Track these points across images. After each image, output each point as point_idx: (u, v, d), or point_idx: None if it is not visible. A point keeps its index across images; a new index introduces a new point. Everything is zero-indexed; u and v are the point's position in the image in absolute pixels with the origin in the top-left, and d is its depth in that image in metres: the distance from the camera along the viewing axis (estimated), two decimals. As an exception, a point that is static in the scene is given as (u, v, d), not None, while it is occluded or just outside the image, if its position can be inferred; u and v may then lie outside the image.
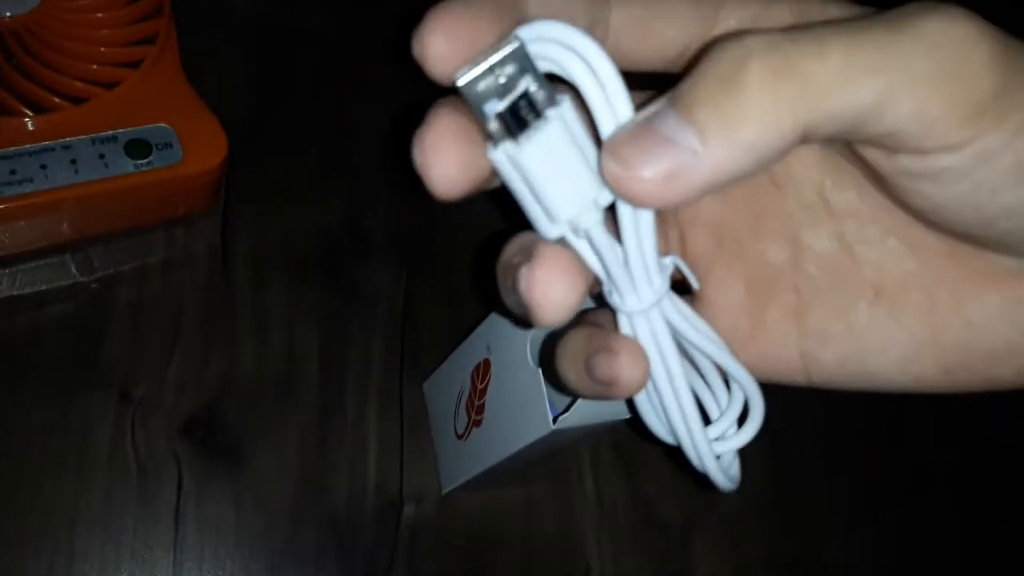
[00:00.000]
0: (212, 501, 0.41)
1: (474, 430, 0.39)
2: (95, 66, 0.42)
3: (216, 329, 0.44)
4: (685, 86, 0.18)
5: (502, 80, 0.19)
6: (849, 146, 0.20)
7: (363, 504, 0.43)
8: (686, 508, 0.48)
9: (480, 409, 0.39)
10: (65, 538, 0.39)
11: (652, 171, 0.18)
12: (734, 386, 0.25)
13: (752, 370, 0.24)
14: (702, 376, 0.25)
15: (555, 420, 0.32)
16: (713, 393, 0.25)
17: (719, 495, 0.49)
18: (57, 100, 0.41)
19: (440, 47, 0.18)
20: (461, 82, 0.19)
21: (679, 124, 0.17)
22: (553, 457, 0.46)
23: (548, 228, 0.20)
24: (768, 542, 0.49)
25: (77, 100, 0.41)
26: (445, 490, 0.44)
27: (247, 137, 0.48)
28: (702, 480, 0.26)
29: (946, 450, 0.55)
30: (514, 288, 0.21)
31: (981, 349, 0.22)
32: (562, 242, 0.21)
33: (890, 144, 0.18)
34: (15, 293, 0.43)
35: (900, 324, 0.23)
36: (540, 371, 0.33)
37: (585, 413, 0.32)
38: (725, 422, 0.25)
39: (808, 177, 0.23)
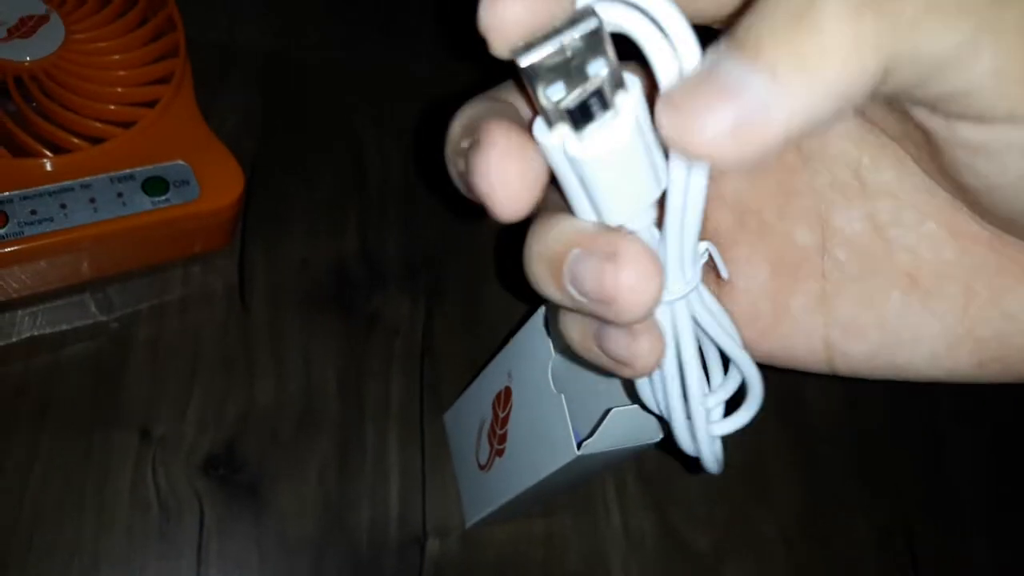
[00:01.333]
0: (234, 539, 0.41)
1: (497, 460, 0.39)
2: (112, 106, 0.42)
3: (234, 365, 0.44)
4: (747, 25, 0.15)
5: (571, 60, 0.16)
6: (900, 113, 0.19)
7: (386, 539, 0.43)
8: (716, 536, 0.47)
9: (502, 439, 0.38)
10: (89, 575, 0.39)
11: (718, 123, 0.15)
12: (732, 370, 0.25)
13: (773, 357, 0.24)
14: (703, 355, 0.24)
15: (579, 446, 0.32)
16: (708, 372, 0.25)
17: (751, 523, 0.48)
18: (76, 140, 0.41)
19: (516, 13, 0.16)
20: (526, 62, 0.16)
21: (746, 67, 0.15)
22: (578, 487, 0.45)
23: (588, 217, 0.19)
24: (800, 572, 0.48)
25: (95, 140, 0.42)
26: (469, 523, 0.43)
27: (261, 171, 0.49)
28: (691, 462, 0.26)
29: (980, 477, 0.54)
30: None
31: (1020, 343, 0.21)
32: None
33: (955, 108, 0.17)
34: (36, 333, 0.43)
35: (935, 316, 0.21)
36: (563, 397, 0.33)
37: (611, 438, 0.32)
38: (711, 400, 0.25)
39: (845, 153, 0.22)
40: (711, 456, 0.26)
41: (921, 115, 0.18)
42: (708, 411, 0.25)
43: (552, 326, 0.34)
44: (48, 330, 0.43)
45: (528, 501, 0.39)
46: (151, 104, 0.43)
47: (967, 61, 0.15)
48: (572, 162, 0.18)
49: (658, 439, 0.33)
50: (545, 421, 0.34)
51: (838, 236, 0.22)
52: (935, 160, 0.19)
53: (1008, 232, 0.20)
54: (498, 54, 0.16)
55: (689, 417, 0.25)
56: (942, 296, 0.21)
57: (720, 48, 0.16)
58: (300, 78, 0.53)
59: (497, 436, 0.39)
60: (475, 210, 0.20)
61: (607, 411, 0.31)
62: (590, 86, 0.16)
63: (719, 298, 0.24)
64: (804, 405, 0.53)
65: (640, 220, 0.19)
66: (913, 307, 0.22)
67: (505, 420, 0.38)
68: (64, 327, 0.43)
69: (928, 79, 0.16)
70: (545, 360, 0.34)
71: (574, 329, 0.22)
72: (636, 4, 0.17)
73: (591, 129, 0.17)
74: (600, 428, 0.31)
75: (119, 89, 0.43)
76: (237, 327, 0.45)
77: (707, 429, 0.25)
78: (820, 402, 0.53)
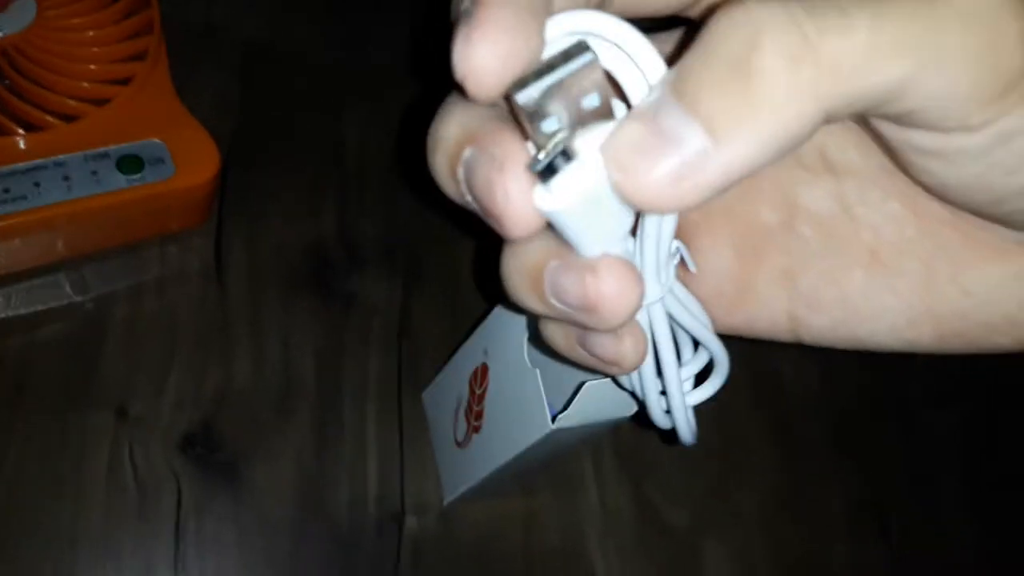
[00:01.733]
0: (212, 518, 0.41)
1: (474, 437, 0.39)
2: (86, 84, 0.42)
3: (211, 345, 0.44)
4: (687, 70, 0.16)
5: (564, 94, 0.16)
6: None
7: (364, 517, 0.43)
8: (694, 514, 0.47)
9: (479, 415, 0.38)
10: (67, 559, 0.39)
11: (657, 175, 0.16)
12: (701, 348, 0.26)
13: (738, 330, 0.24)
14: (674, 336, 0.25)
15: (554, 419, 0.32)
16: (679, 349, 0.26)
17: (728, 498, 0.49)
18: (49, 118, 0.41)
19: (489, 62, 0.16)
20: (523, 99, 0.16)
21: (684, 119, 0.15)
22: (555, 463, 0.45)
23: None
24: (777, 547, 0.48)
25: (68, 118, 0.42)
26: (447, 500, 0.43)
27: (239, 153, 0.49)
28: (666, 434, 0.27)
29: (953, 453, 0.55)
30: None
31: (978, 319, 0.21)
32: None
33: (907, 121, 0.17)
34: (10, 314, 0.42)
35: (896, 292, 0.22)
36: (537, 371, 0.33)
37: (585, 412, 0.32)
38: (683, 373, 0.26)
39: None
40: (686, 427, 0.27)
41: (874, 122, 0.18)
42: (681, 383, 0.26)
43: (532, 333, 0.34)
44: (23, 311, 0.43)
45: (506, 477, 0.39)
46: (125, 82, 0.43)
47: (912, 90, 0.16)
48: (545, 214, 0.18)
49: (632, 412, 0.33)
50: (521, 396, 0.34)
51: (804, 214, 0.23)
52: (891, 156, 0.20)
53: (967, 212, 0.20)
54: (479, 99, 0.16)
55: (663, 392, 0.26)
56: (903, 273, 0.22)
57: (662, 88, 0.16)
58: (278, 58, 0.52)
59: (474, 412, 0.39)
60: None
61: (581, 385, 0.31)
62: (552, 146, 0.17)
63: (686, 283, 0.25)
64: (780, 382, 0.53)
65: (616, 245, 0.19)
66: (875, 283, 0.22)
67: (481, 397, 0.38)
68: (39, 307, 0.43)
69: (874, 109, 0.16)
70: (520, 336, 0.34)
71: (558, 335, 0.22)
72: (607, 37, 0.17)
73: (557, 181, 0.17)
74: (574, 402, 0.31)
75: (92, 66, 0.43)
76: (214, 306, 0.45)
77: (682, 400, 0.26)
78: (795, 378, 0.54)
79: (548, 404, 0.32)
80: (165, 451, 0.41)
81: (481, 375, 0.38)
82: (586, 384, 0.31)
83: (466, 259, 0.50)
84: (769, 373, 0.53)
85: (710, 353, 0.26)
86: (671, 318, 0.24)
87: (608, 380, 0.31)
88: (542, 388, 0.33)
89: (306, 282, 0.47)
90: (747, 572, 0.48)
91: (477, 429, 0.39)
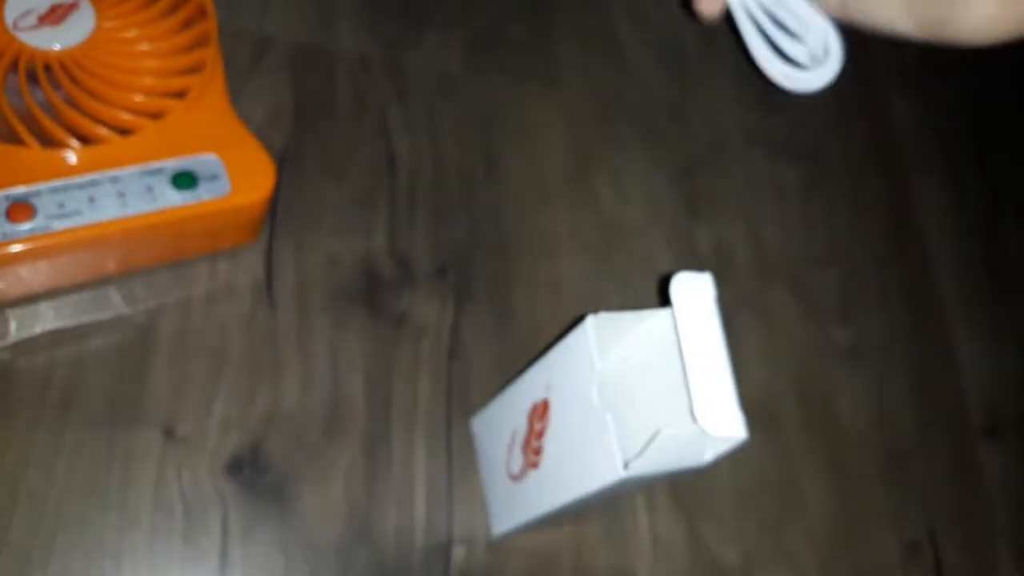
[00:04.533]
0: (259, 543, 0.40)
1: (531, 472, 0.38)
2: (142, 97, 0.41)
3: (260, 364, 0.43)
4: None
5: None
6: None
7: (411, 546, 0.42)
8: (746, 551, 0.46)
9: (537, 451, 0.37)
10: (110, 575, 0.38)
11: None
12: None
13: None
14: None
15: (626, 466, 0.31)
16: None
17: (781, 536, 0.47)
18: (104, 131, 0.40)
19: None
20: None
21: None
22: (611, 500, 0.44)
23: None
24: (827, 585, 0.47)
25: (124, 131, 0.41)
26: (496, 532, 0.43)
27: (290, 165, 0.48)
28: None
29: (1008, 489, 0.53)
30: None
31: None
32: None
33: None
34: (59, 326, 0.42)
35: None
36: (609, 415, 0.32)
37: (658, 459, 0.31)
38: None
39: None
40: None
41: None
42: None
43: None
44: (71, 322, 0.42)
45: (561, 514, 0.38)
46: (181, 95, 0.42)
47: None
48: None
49: (705, 463, 0.32)
50: (587, 438, 0.33)
51: None
52: None
53: None
54: None
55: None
56: None
57: None
58: (331, 70, 0.51)
59: (532, 448, 0.38)
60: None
61: (655, 432, 0.30)
62: None
63: None
64: (835, 415, 0.52)
65: None
66: None
67: (541, 433, 0.37)
68: (87, 320, 0.42)
69: None
70: (588, 376, 0.33)
71: None
72: None
73: None
74: (648, 449, 0.30)
75: (149, 79, 0.42)
76: (263, 324, 0.44)
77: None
78: (849, 415, 0.52)
79: (619, 448, 0.31)
80: (212, 474, 0.41)
81: (542, 411, 0.37)
82: (662, 432, 0.30)
83: (519, 278, 0.49)
84: (824, 408, 0.52)
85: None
86: None
87: (683, 429, 0.30)
88: (613, 431, 0.32)
89: (356, 300, 0.46)
90: (797, 611, 0.46)
91: (535, 465, 0.38)
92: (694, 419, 0.30)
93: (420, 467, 0.43)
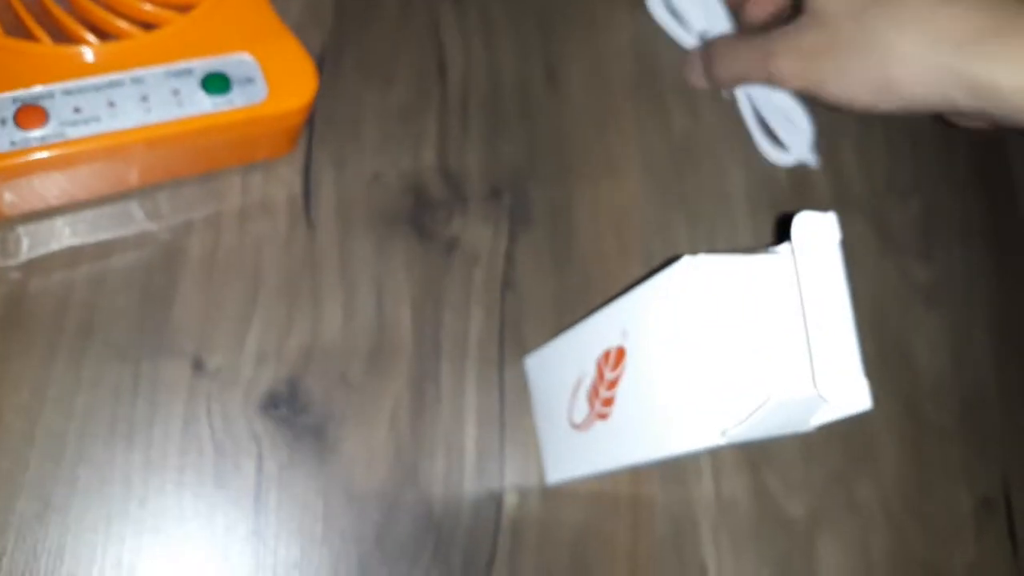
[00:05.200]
0: (296, 487, 0.37)
1: (599, 423, 0.34)
2: (167, -15, 0.36)
3: (298, 291, 0.39)
4: None
5: None
6: None
7: (460, 491, 0.39)
8: (811, 503, 0.43)
9: (608, 402, 0.34)
10: (135, 517, 0.35)
11: None
12: None
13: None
14: None
15: (723, 433, 0.27)
16: None
17: (849, 489, 0.44)
18: (124, 25, 0.36)
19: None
20: None
21: None
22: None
23: None
24: (897, 544, 0.44)
25: (147, 25, 0.36)
26: (551, 480, 0.39)
27: (330, 68, 0.43)
28: None
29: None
30: None
31: None
32: None
33: None
34: (77, 243, 0.38)
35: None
36: (702, 372, 0.28)
37: (761, 426, 0.27)
38: None
39: None
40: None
41: None
42: None
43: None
44: (91, 239, 0.38)
45: (628, 468, 0.35)
46: (212, -16, 0.37)
47: None
48: None
49: (809, 428, 0.29)
50: (674, 396, 0.29)
51: None
52: None
53: None
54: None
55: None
56: None
57: None
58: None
59: (601, 398, 0.34)
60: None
61: (765, 397, 0.26)
62: None
63: None
64: (910, 365, 0.48)
65: None
66: None
67: (614, 383, 0.33)
68: (107, 237, 0.38)
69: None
70: (680, 326, 0.29)
71: None
72: None
73: None
74: (754, 415, 0.26)
75: (175, -36, 0.37)
76: (302, 246, 0.40)
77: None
78: (927, 358, 0.49)
79: (717, 412, 0.28)
80: (246, 411, 0.37)
81: (616, 359, 0.33)
82: (772, 398, 0.26)
83: (578, 201, 0.45)
84: (900, 352, 0.48)
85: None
86: None
87: (798, 394, 0.26)
88: (710, 395, 0.28)
89: (402, 222, 0.42)
90: (864, 569, 0.43)
91: (604, 417, 0.34)
92: (814, 384, 0.26)
93: (471, 408, 0.40)
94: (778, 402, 0.26)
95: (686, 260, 0.29)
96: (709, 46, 0.47)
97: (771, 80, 0.44)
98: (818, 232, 0.28)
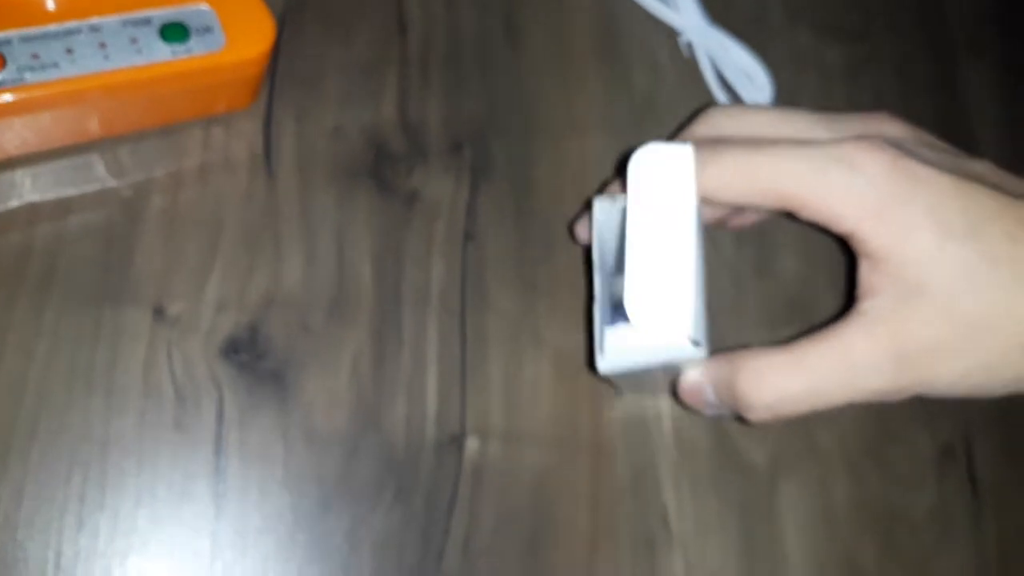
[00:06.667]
0: (257, 430, 0.37)
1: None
2: (125, -64, 0.37)
3: (259, 241, 0.40)
4: None
5: None
6: None
7: (422, 436, 0.39)
8: (772, 449, 0.44)
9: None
10: (97, 464, 0.35)
11: None
12: None
13: None
14: None
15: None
16: None
17: (809, 435, 0.45)
18: (82, -26, 0.36)
19: None
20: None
21: None
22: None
23: None
24: (858, 489, 0.45)
25: (105, -25, 0.36)
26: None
27: (289, 21, 0.43)
28: None
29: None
30: None
31: None
32: None
33: None
34: (38, 198, 0.38)
35: None
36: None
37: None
38: None
39: None
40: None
41: None
42: None
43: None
44: (52, 195, 0.38)
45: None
46: (168, -64, 0.37)
47: None
48: None
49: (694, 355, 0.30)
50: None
51: None
52: None
53: None
54: None
55: None
56: None
57: None
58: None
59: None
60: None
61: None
62: None
63: None
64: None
65: None
66: None
67: None
68: (71, 191, 0.39)
69: None
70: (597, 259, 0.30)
71: None
72: None
73: None
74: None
75: (132, -84, 0.37)
76: (262, 198, 0.41)
77: None
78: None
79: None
80: (206, 356, 0.38)
81: None
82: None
83: (540, 156, 0.45)
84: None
85: None
86: None
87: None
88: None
89: (363, 174, 0.42)
90: (825, 514, 0.44)
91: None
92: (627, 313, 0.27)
93: (432, 355, 0.40)
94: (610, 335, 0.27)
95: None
96: (732, 362, 0.33)
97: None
98: (666, 164, 0.29)
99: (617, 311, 0.32)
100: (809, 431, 0.45)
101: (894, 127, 0.35)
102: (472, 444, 0.40)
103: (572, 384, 0.41)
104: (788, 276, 0.47)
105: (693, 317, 0.29)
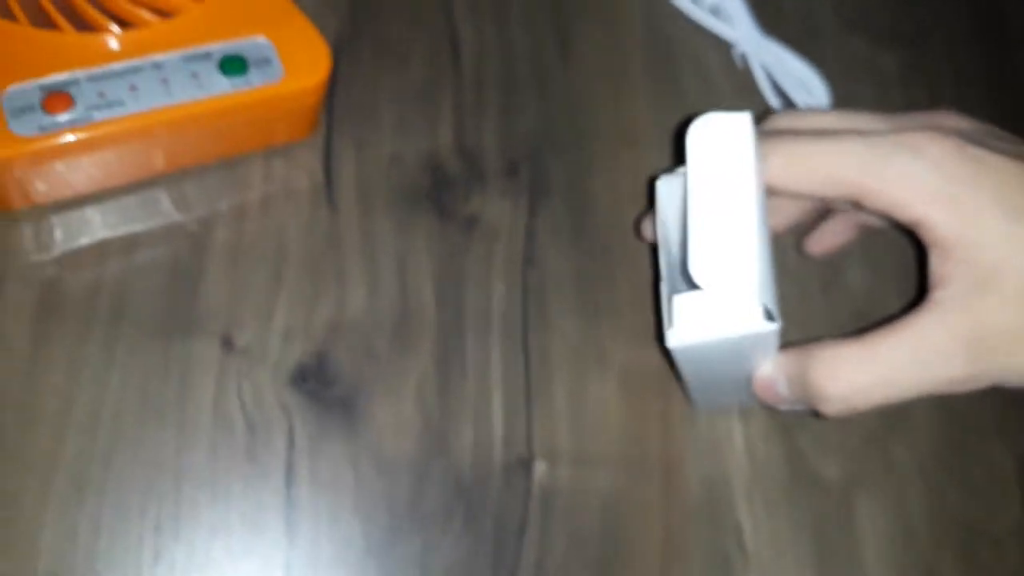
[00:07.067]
0: (326, 458, 0.37)
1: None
2: (183, -25, 0.38)
3: (322, 270, 0.40)
4: None
5: None
6: None
7: (490, 460, 0.39)
8: (847, 466, 0.43)
9: None
10: (171, 496, 0.36)
11: None
12: None
13: None
14: None
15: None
16: None
17: (884, 450, 0.44)
18: (143, 13, 0.37)
19: None
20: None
21: None
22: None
23: None
24: (936, 505, 0.43)
25: (164, 14, 0.37)
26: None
27: (347, 53, 0.44)
28: None
29: None
30: None
31: None
32: None
33: None
34: (106, 235, 0.39)
35: None
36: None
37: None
38: None
39: None
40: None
41: None
42: None
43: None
44: (120, 231, 0.39)
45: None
46: (225, -27, 0.38)
47: None
48: None
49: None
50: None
51: None
52: None
53: None
54: None
55: None
56: None
57: None
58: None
59: None
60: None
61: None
62: None
63: None
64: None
65: None
66: None
67: None
68: (138, 227, 0.39)
69: None
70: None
71: None
72: None
73: None
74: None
75: (190, -45, 0.38)
76: (324, 228, 0.41)
77: None
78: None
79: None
80: (275, 385, 0.38)
81: None
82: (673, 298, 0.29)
83: (596, 174, 0.45)
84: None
85: None
86: None
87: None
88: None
89: (422, 201, 0.42)
90: (903, 531, 0.43)
91: None
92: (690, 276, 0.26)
93: (496, 378, 0.40)
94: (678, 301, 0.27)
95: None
96: (804, 355, 0.32)
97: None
98: (724, 133, 0.28)
99: (684, 286, 0.31)
100: (883, 445, 0.44)
101: (959, 120, 0.34)
102: (540, 467, 0.39)
103: (640, 403, 0.41)
104: (855, 288, 0.46)
105: (759, 282, 0.28)
